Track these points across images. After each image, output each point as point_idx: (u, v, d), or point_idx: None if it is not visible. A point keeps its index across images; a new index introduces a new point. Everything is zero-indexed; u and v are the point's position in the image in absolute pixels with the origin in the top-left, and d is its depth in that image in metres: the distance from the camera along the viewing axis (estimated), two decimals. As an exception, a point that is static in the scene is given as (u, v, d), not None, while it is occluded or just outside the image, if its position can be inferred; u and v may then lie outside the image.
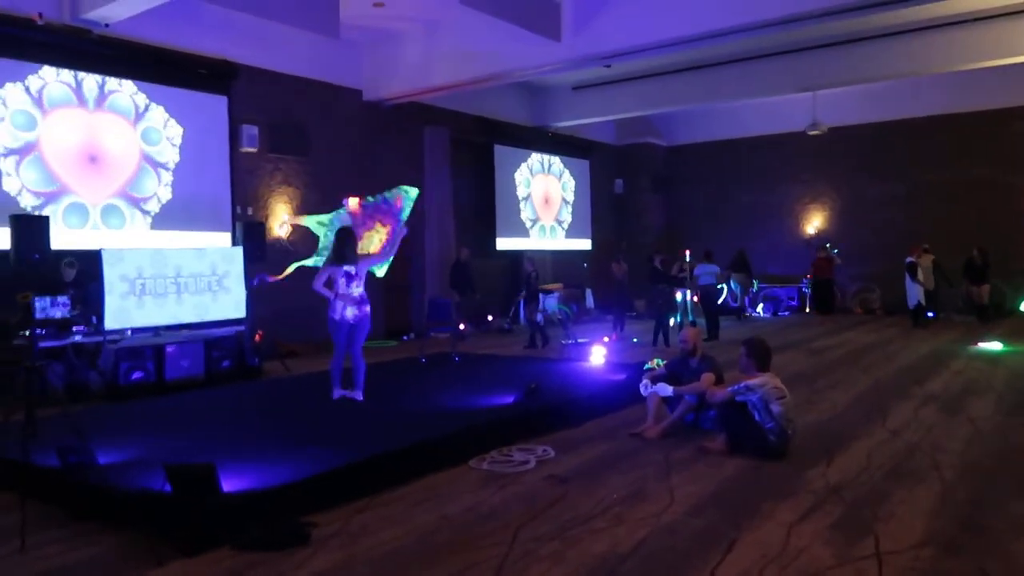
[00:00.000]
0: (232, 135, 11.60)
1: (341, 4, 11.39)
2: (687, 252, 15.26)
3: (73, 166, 9.74)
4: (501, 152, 16.80)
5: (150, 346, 8.51)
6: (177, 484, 3.97)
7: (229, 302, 9.45)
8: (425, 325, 10.34)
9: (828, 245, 17.92)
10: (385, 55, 13.46)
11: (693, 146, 20.61)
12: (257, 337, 10.68)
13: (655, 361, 8.33)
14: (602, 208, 20.19)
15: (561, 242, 18.73)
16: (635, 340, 12.96)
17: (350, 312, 7.11)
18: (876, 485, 4.79)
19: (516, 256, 17.27)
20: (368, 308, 7.25)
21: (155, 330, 9.01)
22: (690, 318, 14.55)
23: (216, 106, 11.35)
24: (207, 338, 9.09)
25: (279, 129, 12.34)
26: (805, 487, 4.76)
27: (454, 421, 6.10)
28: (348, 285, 7.10)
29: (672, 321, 14.23)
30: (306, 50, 12.47)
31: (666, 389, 6.14)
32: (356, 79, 13.59)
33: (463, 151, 15.88)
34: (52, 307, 8.34)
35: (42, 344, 8.22)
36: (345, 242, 7.18)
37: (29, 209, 9.26)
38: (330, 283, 7.09)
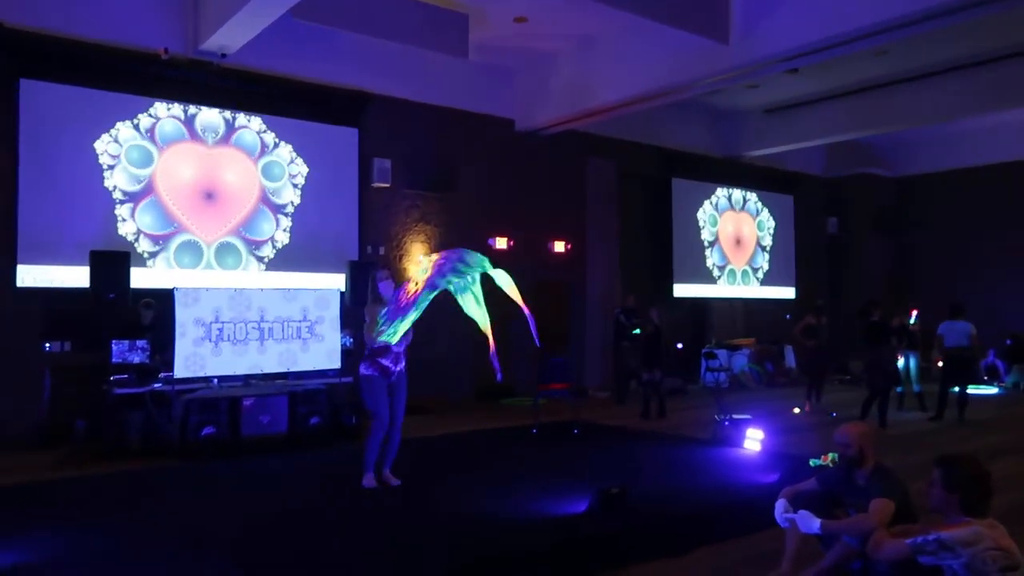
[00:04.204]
0: (362, 170, 10.77)
1: (481, 24, 10.28)
2: (914, 312, 12.04)
3: (188, 203, 9.31)
4: (680, 186, 14.70)
5: (224, 398, 7.58)
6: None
7: (321, 351, 8.36)
8: (536, 386, 8.58)
9: None
10: (537, 79, 12.11)
11: (927, 177, 16.99)
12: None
13: (830, 457, 5.93)
14: (810, 251, 17.20)
15: (756, 290, 16.07)
16: (833, 415, 10.18)
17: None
18: None
19: (699, 305, 14.96)
20: (404, 365, 5.75)
21: (244, 379, 8.12)
22: (916, 388, 11.34)
23: (345, 139, 10.58)
24: (293, 391, 8.03)
25: (416, 163, 11.35)
26: None
27: (492, 537, 4.31)
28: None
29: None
30: (448, 77, 11.45)
31: (810, 523, 3.86)
32: (507, 107, 12.34)
33: (633, 186, 14.03)
34: (130, 352, 7.75)
35: (119, 391, 7.63)
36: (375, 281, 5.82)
37: (142, 249, 8.95)
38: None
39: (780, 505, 4.10)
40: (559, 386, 8.46)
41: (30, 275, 8.32)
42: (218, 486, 6.08)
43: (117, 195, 8.84)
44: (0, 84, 8.27)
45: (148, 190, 9.05)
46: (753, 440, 6.82)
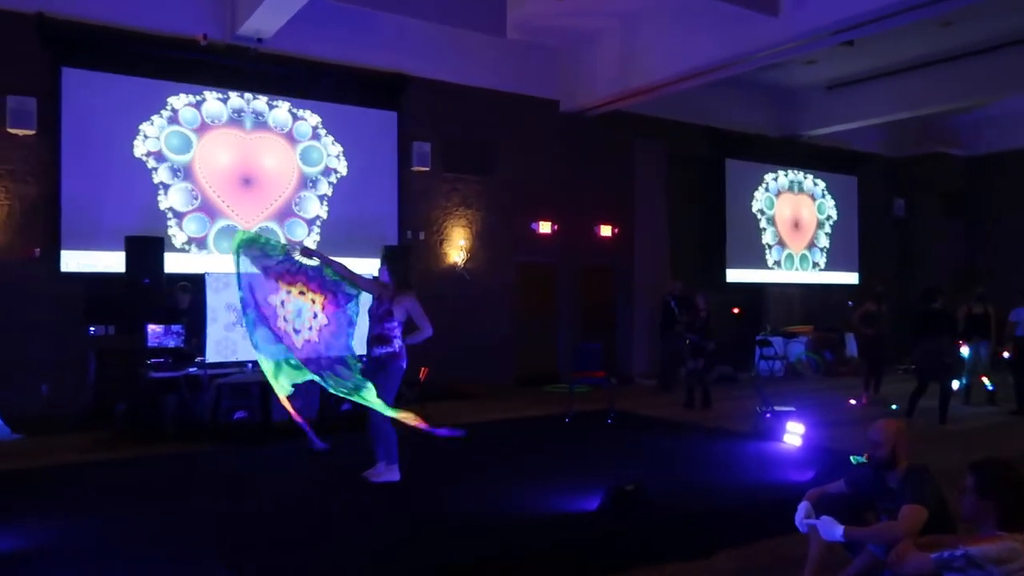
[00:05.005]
0: (402, 154, 10.65)
1: (521, 2, 10.02)
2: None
3: (226, 188, 9.36)
4: (734, 168, 14.15)
5: (256, 383, 7.57)
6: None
7: (354, 336, 8.25)
8: (570, 374, 8.34)
9: None
10: (581, 58, 11.77)
11: (1002, 155, 15.94)
12: (421, 374, 9.44)
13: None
14: (875, 235, 16.38)
15: (815, 275, 15.40)
16: (894, 407, 9.62)
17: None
18: None
19: (753, 290, 14.41)
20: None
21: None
22: (988, 386, 10.60)
23: (384, 122, 10.48)
24: (325, 377, 7.97)
25: (457, 146, 11.18)
26: None
27: (494, 534, 4.12)
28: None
29: (955, 386, 10.50)
30: (489, 57, 11.22)
31: (832, 530, 3.53)
32: (550, 88, 12.04)
33: (684, 167, 13.54)
34: (166, 336, 7.81)
35: (155, 375, 7.71)
36: (410, 263, 5.61)
37: (180, 234, 9.05)
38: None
39: (802, 508, 3.77)
40: (593, 374, 8.19)
41: (73, 260, 8.49)
42: (236, 473, 6.04)
43: (157, 179, 8.94)
44: (43, 74, 8.43)
45: (186, 176, 9.12)
46: (793, 434, 6.44)
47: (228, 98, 9.41)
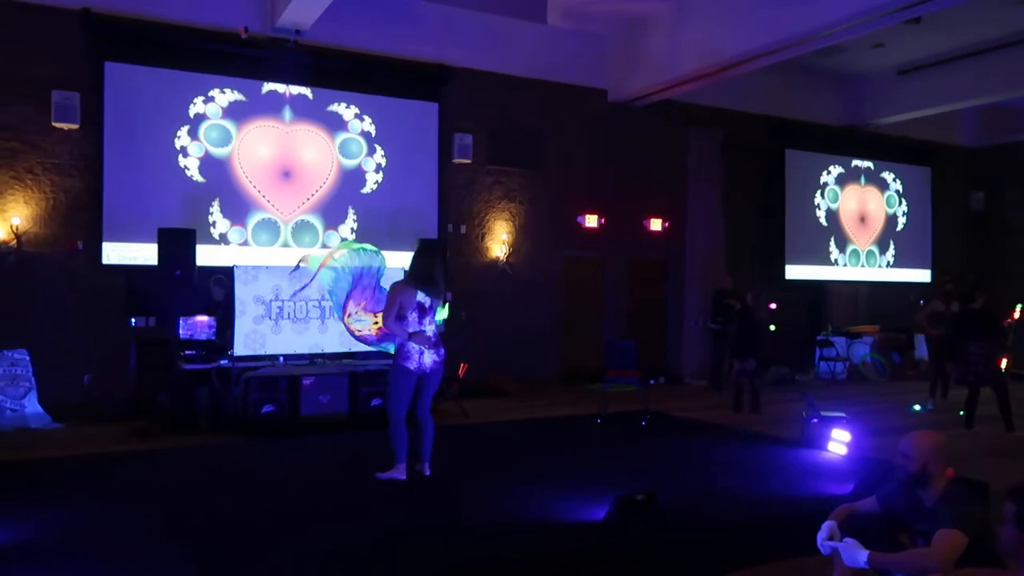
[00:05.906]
0: (442, 146, 10.46)
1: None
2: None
3: (266, 181, 9.35)
4: (795, 158, 13.48)
5: (284, 377, 7.51)
6: None
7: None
8: (604, 373, 7.97)
9: None
10: (631, 45, 11.33)
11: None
12: (460, 371, 9.25)
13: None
14: (950, 229, 15.40)
15: (883, 272, 14.58)
16: (962, 413, 8.93)
17: (428, 359, 5.23)
18: None
19: (814, 288, 13.72)
20: (444, 352, 5.32)
21: (309, 358, 8.06)
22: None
23: (425, 114, 10.30)
24: (355, 371, 7.87)
25: (499, 138, 10.92)
26: None
27: (485, 543, 3.87)
28: (421, 321, 5.23)
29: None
30: (534, 46, 10.92)
31: (855, 554, 3.12)
32: (598, 76, 11.64)
33: (740, 158, 12.94)
34: (198, 328, 7.82)
35: (188, 367, 7.73)
36: (433, 259, 5.36)
37: (221, 228, 9.09)
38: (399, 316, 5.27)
39: (825, 528, 3.37)
40: (628, 373, 7.80)
41: (115, 252, 8.60)
42: (257, 467, 5.94)
43: (196, 175, 8.99)
44: (86, 68, 8.54)
45: (227, 169, 9.14)
46: (838, 442, 5.95)
47: (268, 90, 9.39)
